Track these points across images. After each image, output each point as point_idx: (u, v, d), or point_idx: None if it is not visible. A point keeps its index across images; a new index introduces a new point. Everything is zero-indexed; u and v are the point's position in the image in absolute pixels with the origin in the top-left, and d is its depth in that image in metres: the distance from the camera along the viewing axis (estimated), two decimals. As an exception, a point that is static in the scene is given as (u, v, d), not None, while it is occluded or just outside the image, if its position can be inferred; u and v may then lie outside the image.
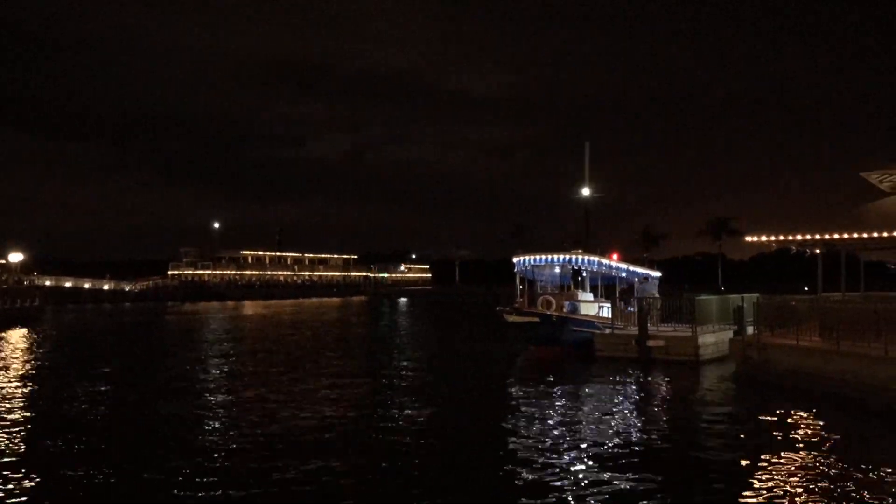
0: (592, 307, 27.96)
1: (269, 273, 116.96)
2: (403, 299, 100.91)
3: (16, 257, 63.79)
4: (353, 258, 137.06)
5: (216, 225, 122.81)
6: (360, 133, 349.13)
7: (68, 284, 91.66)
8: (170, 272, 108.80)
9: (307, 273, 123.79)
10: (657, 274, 32.32)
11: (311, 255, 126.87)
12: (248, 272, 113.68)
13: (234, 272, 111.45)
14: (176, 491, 9.73)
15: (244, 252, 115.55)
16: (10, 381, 19.96)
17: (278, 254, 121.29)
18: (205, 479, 10.22)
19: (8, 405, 16.15)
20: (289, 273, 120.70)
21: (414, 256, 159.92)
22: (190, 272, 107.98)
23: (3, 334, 35.73)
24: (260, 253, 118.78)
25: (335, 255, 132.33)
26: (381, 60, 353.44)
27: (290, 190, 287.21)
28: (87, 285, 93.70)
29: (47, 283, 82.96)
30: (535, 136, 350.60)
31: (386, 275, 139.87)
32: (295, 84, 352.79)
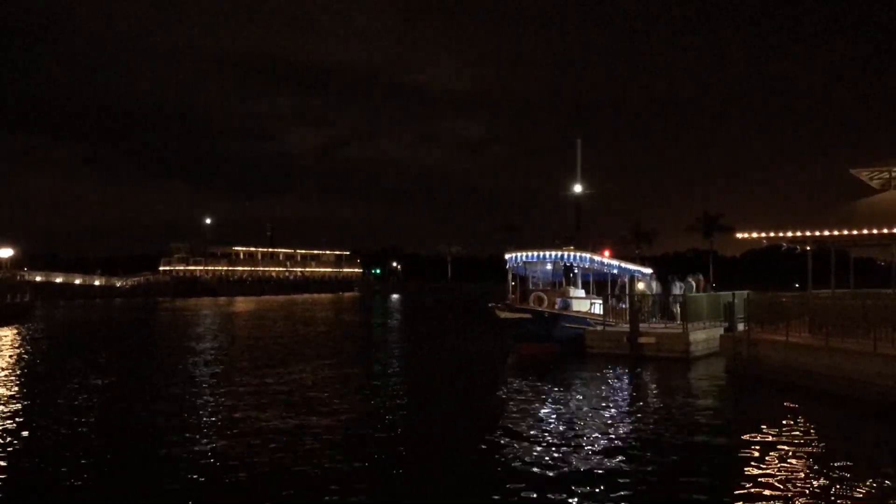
0: (584, 304, 28.02)
1: (260, 269, 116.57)
2: (395, 296, 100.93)
3: (5, 252, 63.44)
4: (346, 254, 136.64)
5: (208, 221, 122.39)
6: (331, 128, 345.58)
7: (59, 280, 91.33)
8: (161, 268, 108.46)
9: (299, 269, 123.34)
10: (648, 270, 32.42)
11: (303, 251, 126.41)
12: (239, 268, 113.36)
13: (225, 268, 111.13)
14: (165, 491, 9.74)
15: (236, 248, 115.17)
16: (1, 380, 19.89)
17: (270, 250, 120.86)
18: (195, 480, 10.22)
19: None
20: (281, 269, 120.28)
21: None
22: (181, 268, 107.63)
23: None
24: (252, 249, 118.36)
25: (327, 251, 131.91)
26: (345, 55, 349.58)
27: (273, 185, 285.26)
28: (77, 281, 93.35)
29: (38, 278, 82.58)
30: (509, 131, 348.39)
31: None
32: (259, 80, 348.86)
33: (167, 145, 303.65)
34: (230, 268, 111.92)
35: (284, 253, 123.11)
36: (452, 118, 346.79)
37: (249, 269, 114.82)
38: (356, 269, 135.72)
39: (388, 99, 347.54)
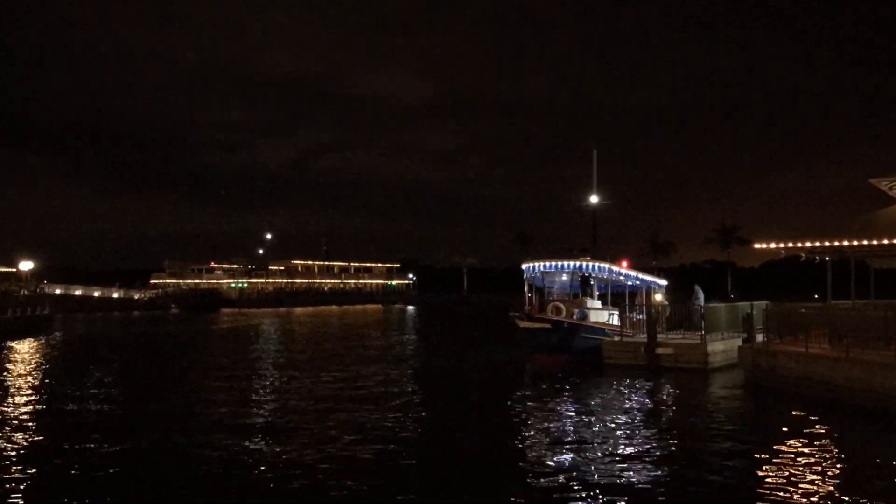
0: (602, 314, 27.94)
1: (317, 281, 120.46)
2: (411, 308, 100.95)
3: (26, 265, 64.19)
4: (397, 267, 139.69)
5: (268, 236, 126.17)
6: (298, 141, 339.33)
7: (78, 293, 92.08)
8: (219, 281, 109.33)
9: (353, 281, 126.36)
10: (663, 282, 32.29)
11: (356, 264, 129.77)
12: (297, 280, 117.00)
13: (284, 280, 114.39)
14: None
15: (294, 261, 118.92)
16: (21, 394, 20.09)
17: (325, 263, 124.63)
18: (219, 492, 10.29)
19: (17, 420, 16.09)
20: (336, 281, 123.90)
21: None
22: (240, 280, 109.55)
23: (13, 344, 35.81)
24: (308, 262, 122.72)
25: (379, 264, 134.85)
26: (302, 67, 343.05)
27: (260, 197, 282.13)
28: (96, 294, 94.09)
29: (57, 291, 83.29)
30: (481, 141, 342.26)
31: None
32: (219, 91, 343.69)
33: (139, 158, 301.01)
34: (288, 280, 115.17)
35: (339, 266, 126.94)
36: (421, 128, 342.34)
37: (307, 280, 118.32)
38: (404, 281, 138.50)
39: (351, 110, 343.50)
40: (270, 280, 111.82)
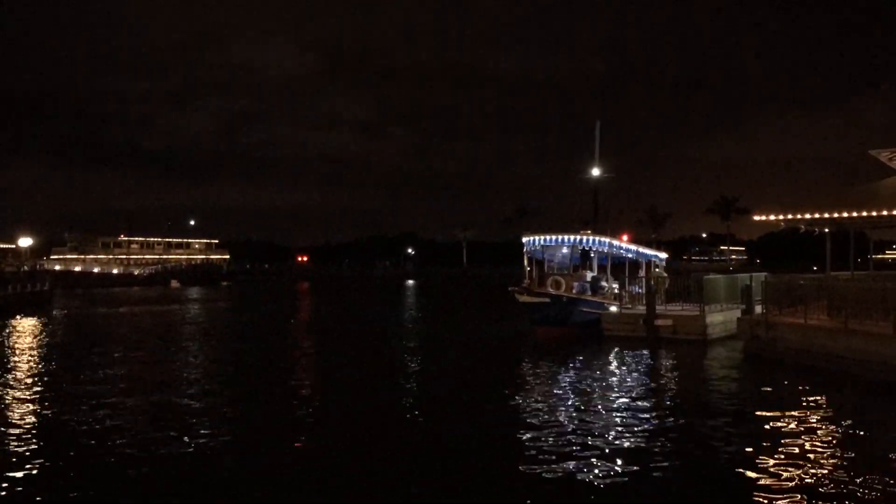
0: (601, 287, 28.00)
1: None
2: (410, 281, 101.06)
3: (25, 242, 64.18)
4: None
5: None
6: (208, 111, 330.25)
7: (77, 269, 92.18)
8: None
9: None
10: (664, 255, 32.35)
11: None
12: None
13: None
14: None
15: None
16: (20, 371, 20.16)
17: None
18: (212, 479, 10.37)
19: (12, 399, 16.12)
20: None
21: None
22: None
23: (13, 320, 35.70)
24: None
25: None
26: (180, 33, 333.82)
27: (188, 172, 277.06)
28: (96, 269, 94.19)
29: (56, 267, 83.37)
30: (396, 112, 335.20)
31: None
32: (107, 62, 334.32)
33: (65, 132, 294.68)
34: None
35: None
36: (325, 99, 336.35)
37: None
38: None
39: (249, 81, 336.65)
40: None
